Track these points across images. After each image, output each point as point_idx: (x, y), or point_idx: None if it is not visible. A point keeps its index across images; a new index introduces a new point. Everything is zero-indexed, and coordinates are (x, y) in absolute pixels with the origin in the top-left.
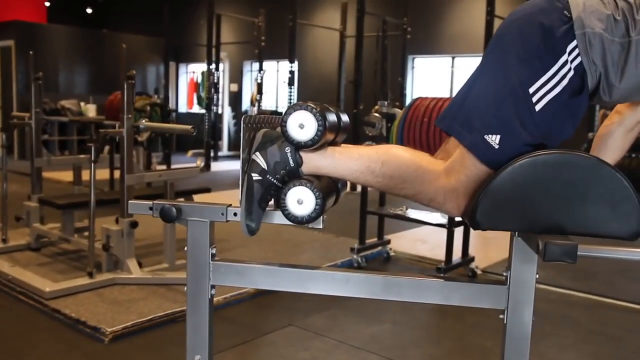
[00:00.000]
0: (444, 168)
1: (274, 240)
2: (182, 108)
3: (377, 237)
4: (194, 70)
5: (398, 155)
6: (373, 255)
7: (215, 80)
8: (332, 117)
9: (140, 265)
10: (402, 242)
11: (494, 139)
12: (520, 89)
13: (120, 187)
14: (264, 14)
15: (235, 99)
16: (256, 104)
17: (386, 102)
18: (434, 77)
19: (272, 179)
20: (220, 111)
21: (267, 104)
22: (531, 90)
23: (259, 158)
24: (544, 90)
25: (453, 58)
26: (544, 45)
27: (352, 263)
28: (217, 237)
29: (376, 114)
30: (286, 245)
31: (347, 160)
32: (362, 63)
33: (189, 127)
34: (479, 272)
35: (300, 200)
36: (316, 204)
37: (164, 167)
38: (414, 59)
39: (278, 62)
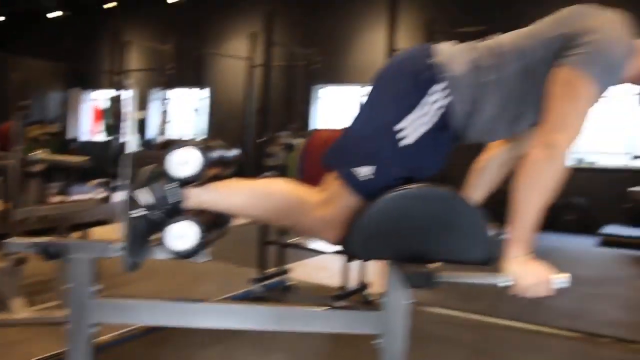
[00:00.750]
0: (322, 199)
1: (174, 273)
2: (86, 136)
3: (277, 266)
4: (98, 97)
5: (278, 188)
6: (273, 285)
7: (121, 108)
8: (216, 153)
9: (30, 303)
10: (303, 270)
11: (363, 171)
12: (390, 126)
13: (8, 222)
14: (173, 42)
15: (142, 127)
16: (163, 132)
17: (287, 133)
18: (340, 106)
19: (155, 215)
20: (126, 139)
21: (176, 132)
22: (396, 128)
23: (144, 194)
24: (412, 128)
25: (361, 87)
26: (413, 88)
27: (251, 294)
28: (112, 272)
29: (277, 145)
30: (186, 277)
31: (230, 195)
32: (270, 92)
33: (84, 158)
34: (373, 298)
35: (182, 234)
36: (198, 238)
37: (61, 198)
38: (321, 88)
39: (187, 89)
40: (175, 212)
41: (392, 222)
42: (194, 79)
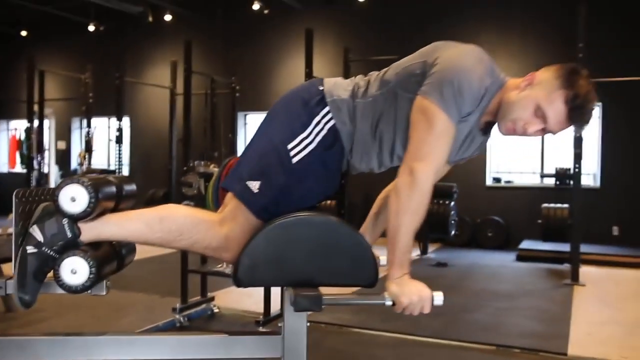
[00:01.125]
0: (219, 218)
1: (94, 306)
2: (3, 168)
3: (201, 294)
4: (16, 127)
5: (175, 210)
6: (197, 313)
7: (39, 138)
8: (107, 188)
9: None
10: (228, 297)
11: (254, 185)
12: (281, 145)
13: None
14: (91, 70)
15: (64, 157)
16: (84, 163)
17: (202, 162)
18: None
19: (49, 251)
20: (46, 170)
21: (98, 161)
22: (290, 146)
23: (35, 231)
24: (301, 146)
25: None
26: (302, 111)
27: (174, 323)
28: (32, 308)
29: (193, 174)
30: (107, 309)
31: (126, 223)
32: (191, 121)
33: None
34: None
35: (74, 270)
36: (90, 273)
37: None
38: (245, 115)
39: (109, 118)
40: (69, 248)
41: (280, 249)
42: (114, 108)
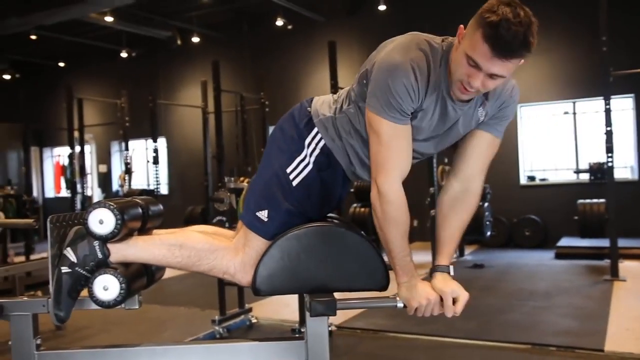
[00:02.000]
0: (233, 245)
1: (138, 321)
2: (50, 193)
3: (239, 306)
4: (59, 154)
5: (193, 237)
6: (236, 325)
7: (81, 163)
8: (133, 210)
9: None
10: (266, 308)
11: (263, 214)
12: (280, 170)
13: None
14: (126, 95)
15: (105, 180)
16: (125, 184)
17: (232, 178)
18: None
19: (82, 271)
20: (89, 193)
21: (137, 182)
22: (288, 170)
23: (69, 253)
24: (299, 169)
25: None
26: (295, 134)
27: (214, 335)
28: (78, 325)
29: (224, 190)
30: (149, 325)
31: (150, 247)
32: (224, 137)
33: (30, 220)
34: (333, 328)
35: (106, 286)
36: (121, 289)
37: (23, 258)
38: None
39: (146, 140)
40: (100, 266)
41: (293, 259)
42: (150, 130)
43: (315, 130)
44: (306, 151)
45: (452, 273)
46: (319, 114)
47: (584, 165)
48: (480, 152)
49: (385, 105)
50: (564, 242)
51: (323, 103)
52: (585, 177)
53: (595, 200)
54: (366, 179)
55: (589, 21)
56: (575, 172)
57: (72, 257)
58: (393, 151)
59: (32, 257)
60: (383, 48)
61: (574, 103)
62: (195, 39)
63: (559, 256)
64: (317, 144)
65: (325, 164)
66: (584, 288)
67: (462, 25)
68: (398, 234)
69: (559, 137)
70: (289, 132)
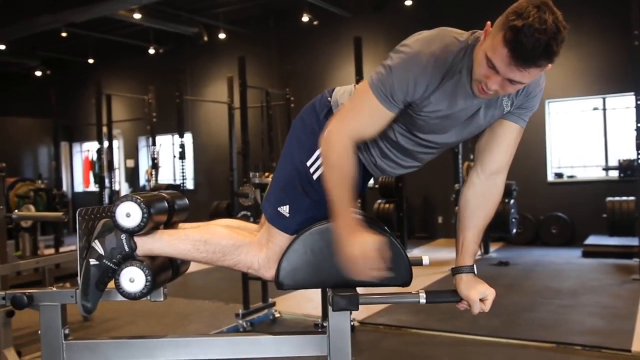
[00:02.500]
0: (257, 240)
1: (163, 314)
2: (79, 187)
3: (262, 300)
4: (88, 149)
5: (218, 232)
6: (260, 319)
7: (109, 158)
8: (159, 204)
9: (19, 354)
10: (289, 302)
11: (285, 209)
12: (301, 164)
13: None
14: (153, 91)
15: (133, 175)
16: (152, 179)
17: (257, 173)
18: None
19: (109, 263)
20: (117, 188)
21: (164, 177)
22: (309, 163)
23: (97, 245)
24: (319, 162)
25: None
26: (316, 126)
27: (238, 329)
28: (105, 316)
29: (249, 185)
30: (175, 317)
31: (175, 242)
32: (249, 133)
33: (59, 214)
34: (356, 324)
35: (132, 278)
36: (147, 281)
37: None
38: None
39: (172, 135)
40: (126, 259)
41: (317, 253)
42: (177, 126)
43: None
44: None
45: (475, 272)
46: (338, 103)
47: (613, 162)
48: (507, 144)
49: (379, 81)
50: (592, 240)
51: (344, 93)
52: (614, 174)
53: (624, 198)
54: (388, 171)
55: (620, 15)
56: (604, 169)
57: (100, 250)
58: (359, 115)
59: (62, 249)
60: (411, 37)
61: (603, 99)
62: (222, 35)
63: (586, 254)
64: None
65: None
66: (612, 287)
67: (489, 22)
68: (335, 178)
69: (588, 134)
70: (309, 123)
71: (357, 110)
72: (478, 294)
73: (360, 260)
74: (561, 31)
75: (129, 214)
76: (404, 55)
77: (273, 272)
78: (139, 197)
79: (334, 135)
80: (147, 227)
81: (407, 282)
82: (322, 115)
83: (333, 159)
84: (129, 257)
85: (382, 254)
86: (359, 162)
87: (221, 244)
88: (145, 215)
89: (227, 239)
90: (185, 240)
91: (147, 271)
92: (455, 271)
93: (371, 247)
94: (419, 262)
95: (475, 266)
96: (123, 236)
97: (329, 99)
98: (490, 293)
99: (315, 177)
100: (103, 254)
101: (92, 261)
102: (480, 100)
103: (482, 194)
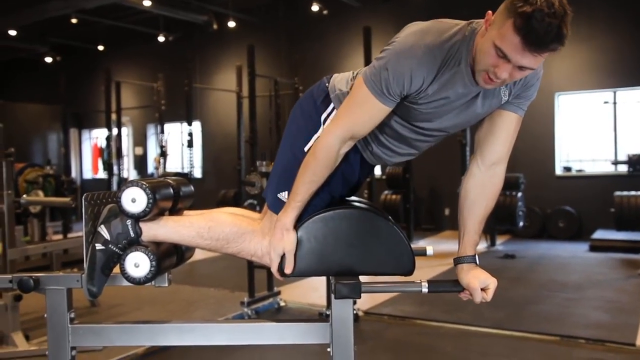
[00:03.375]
0: (260, 228)
1: (169, 301)
2: (88, 174)
3: (267, 289)
4: (97, 136)
5: (222, 220)
6: (265, 307)
7: (118, 145)
8: (165, 190)
9: (27, 337)
10: (295, 291)
11: (284, 196)
12: (299, 150)
13: (2, 261)
14: (162, 79)
15: (141, 162)
16: (160, 167)
17: (264, 162)
18: None
19: (114, 248)
20: (125, 175)
21: (172, 165)
22: (306, 149)
23: (103, 230)
24: None
25: None
26: (313, 112)
27: (243, 317)
28: (111, 302)
29: (255, 174)
30: (180, 304)
31: (180, 228)
32: (257, 122)
33: (67, 199)
34: (361, 313)
35: (137, 264)
36: (151, 266)
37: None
38: None
39: (181, 123)
40: (131, 244)
41: (320, 242)
42: (185, 113)
43: (332, 106)
44: (322, 128)
45: (477, 262)
46: (335, 89)
47: (622, 157)
48: (507, 133)
49: (374, 77)
50: (599, 234)
51: (341, 79)
52: (623, 168)
53: (633, 193)
54: (384, 159)
55: (631, 8)
56: (613, 163)
57: (106, 235)
58: (353, 114)
59: (70, 235)
60: (405, 29)
61: (614, 92)
62: (231, 24)
63: (593, 248)
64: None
65: None
66: (618, 281)
67: (490, 11)
68: (308, 182)
69: (598, 127)
70: (307, 109)
71: (352, 109)
72: (479, 282)
73: (277, 254)
74: (568, 13)
75: (134, 199)
76: (399, 48)
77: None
78: (144, 183)
79: (323, 138)
80: (152, 212)
81: (410, 272)
82: (319, 101)
83: (312, 161)
84: (134, 243)
85: (290, 258)
86: (357, 152)
87: (225, 232)
88: (151, 200)
89: (231, 226)
90: (190, 227)
91: (151, 256)
92: (457, 261)
93: (290, 249)
94: (422, 253)
95: (477, 256)
96: (129, 222)
97: (327, 85)
98: (491, 282)
99: None
100: (109, 239)
101: (98, 246)
102: (478, 87)
103: (482, 184)
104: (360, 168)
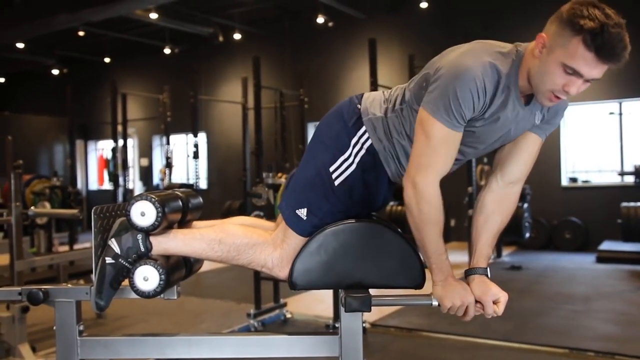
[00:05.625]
0: (272, 239)
1: (176, 313)
2: (93, 185)
3: (274, 300)
4: (103, 147)
5: (232, 231)
6: (271, 319)
7: (124, 157)
8: (173, 203)
9: (34, 349)
10: (300, 303)
11: (302, 212)
12: (323, 169)
13: (10, 273)
14: (168, 91)
15: (147, 173)
16: (165, 178)
17: (270, 174)
18: None
19: (124, 262)
20: (131, 186)
21: (177, 176)
22: (331, 169)
23: (113, 244)
24: (342, 169)
25: None
26: (342, 133)
27: (249, 328)
28: (118, 314)
29: (262, 185)
30: (187, 316)
31: (190, 241)
32: (263, 133)
33: (74, 211)
34: (367, 325)
35: (146, 277)
36: (160, 280)
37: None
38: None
39: (187, 135)
40: (141, 258)
41: (331, 254)
42: (191, 125)
43: (363, 129)
44: (351, 150)
45: (489, 275)
46: (368, 112)
47: (629, 168)
48: (529, 155)
49: (443, 108)
50: (606, 245)
51: (373, 101)
52: (630, 179)
53: (639, 204)
54: None
55: (637, 19)
56: (619, 174)
57: (116, 248)
58: (439, 156)
59: (76, 246)
60: (449, 53)
61: (620, 103)
62: (237, 36)
63: (600, 260)
64: (363, 144)
65: (370, 165)
66: (626, 293)
67: (543, 34)
68: (435, 233)
69: (604, 138)
70: (335, 128)
71: (435, 150)
72: (491, 295)
73: (456, 309)
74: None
75: (143, 213)
76: (457, 72)
77: (286, 271)
78: (153, 196)
79: (426, 190)
80: (162, 226)
81: (420, 285)
82: (351, 123)
83: (431, 214)
84: (144, 257)
85: (478, 305)
86: (384, 171)
87: (236, 243)
88: (160, 214)
89: (242, 237)
90: (201, 240)
91: (161, 270)
92: (469, 273)
93: (468, 300)
94: None
95: (488, 269)
96: (139, 236)
97: (358, 106)
98: (502, 296)
99: (337, 183)
100: (119, 252)
101: (108, 259)
102: (520, 115)
103: (499, 200)
104: (388, 189)
